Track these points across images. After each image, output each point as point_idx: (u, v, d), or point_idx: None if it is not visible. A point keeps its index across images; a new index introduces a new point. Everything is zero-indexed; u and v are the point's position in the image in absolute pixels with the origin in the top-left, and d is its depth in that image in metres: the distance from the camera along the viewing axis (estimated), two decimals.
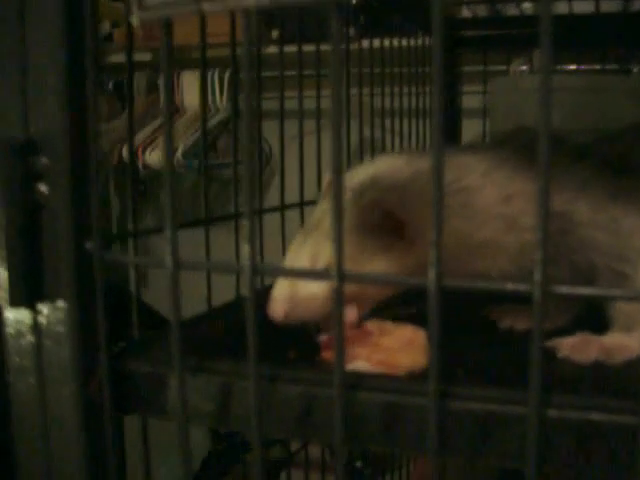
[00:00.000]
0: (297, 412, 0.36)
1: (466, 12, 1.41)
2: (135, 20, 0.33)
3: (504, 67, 1.31)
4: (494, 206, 0.53)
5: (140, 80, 2.16)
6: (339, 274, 0.30)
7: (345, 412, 0.31)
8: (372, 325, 0.51)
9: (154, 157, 2.00)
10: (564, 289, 0.27)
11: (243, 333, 0.32)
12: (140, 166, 2.04)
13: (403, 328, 0.51)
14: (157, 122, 2.09)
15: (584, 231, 0.53)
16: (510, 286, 0.29)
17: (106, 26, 2.23)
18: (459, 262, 0.52)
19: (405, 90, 1.11)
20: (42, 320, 0.39)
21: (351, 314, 0.49)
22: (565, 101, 0.94)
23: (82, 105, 0.36)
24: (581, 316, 0.60)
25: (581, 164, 0.54)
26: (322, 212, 0.54)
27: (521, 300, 0.59)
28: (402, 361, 0.46)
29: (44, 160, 0.36)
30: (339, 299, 0.31)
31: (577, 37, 1.23)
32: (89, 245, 0.37)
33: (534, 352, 0.28)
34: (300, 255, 0.53)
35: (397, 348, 0.48)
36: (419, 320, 0.45)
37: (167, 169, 0.34)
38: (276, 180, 0.81)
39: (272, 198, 0.76)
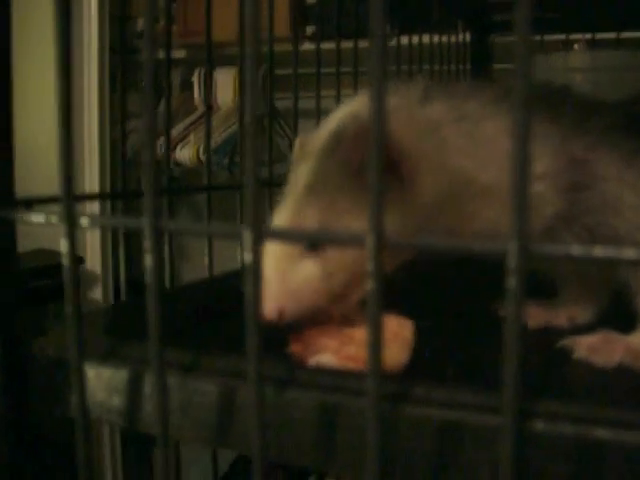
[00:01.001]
0: (215, 412, 0.29)
1: None
2: None
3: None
4: (502, 138, 0.42)
5: (174, 77, 2.12)
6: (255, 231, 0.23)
7: (262, 415, 0.23)
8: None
9: (185, 154, 1.97)
10: (548, 248, 0.19)
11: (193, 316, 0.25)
12: (172, 163, 2.01)
13: (386, 319, 0.43)
14: (189, 119, 2.06)
15: (608, 187, 0.42)
16: (478, 246, 0.20)
17: (141, 23, 2.21)
18: (459, 216, 0.43)
19: None
20: None
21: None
22: (600, 79, 0.85)
23: None
24: (607, 313, 0.51)
25: (606, 114, 0.45)
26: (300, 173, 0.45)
27: (534, 294, 0.50)
28: None
29: None
30: (257, 262, 0.23)
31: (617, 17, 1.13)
32: None
33: (510, 338, 0.20)
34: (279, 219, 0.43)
35: None
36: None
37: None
38: None
39: None
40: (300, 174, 0.44)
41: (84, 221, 0.28)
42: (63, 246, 0.28)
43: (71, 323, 0.28)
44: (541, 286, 0.50)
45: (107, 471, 1.76)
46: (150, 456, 1.77)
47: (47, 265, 1.62)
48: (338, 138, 0.43)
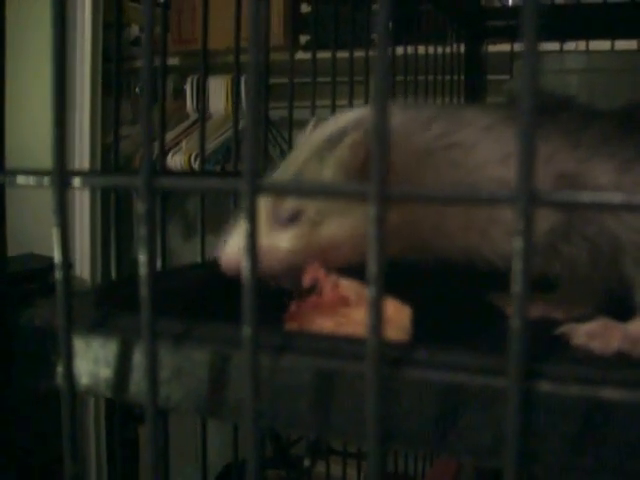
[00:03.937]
0: (207, 380, 0.28)
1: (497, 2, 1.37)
2: None
3: None
4: (490, 167, 0.44)
5: (166, 84, 2.11)
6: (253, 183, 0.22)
7: (256, 381, 0.22)
8: (349, 289, 0.42)
9: (176, 160, 1.96)
10: (560, 194, 0.19)
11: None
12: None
13: (385, 302, 0.42)
14: (181, 126, 2.05)
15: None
16: (485, 194, 0.20)
17: (134, 30, 2.20)
18: (446, 238, 0.45)
19: (439, 100, 1.06)
20: None
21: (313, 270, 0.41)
22: (596, 81, 0.85)
23: None
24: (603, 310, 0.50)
25: (600, 123, 0.45)
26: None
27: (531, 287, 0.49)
28: None
29: None
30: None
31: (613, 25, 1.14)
32: None
33: (516, 289, 0.19)
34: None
35: None
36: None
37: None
38: None
39: None
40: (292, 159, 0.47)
41: (76, 181, 0.27)
42: (54, 207, 0.27)
43: (60, 288, 0.27)
44: (537, 282, 0.50)
45: (91, 451, 1.76)
46: (136, 437, 1.75)
47: (37, 268, 1.60)
48: (341, 139, 0.44)
